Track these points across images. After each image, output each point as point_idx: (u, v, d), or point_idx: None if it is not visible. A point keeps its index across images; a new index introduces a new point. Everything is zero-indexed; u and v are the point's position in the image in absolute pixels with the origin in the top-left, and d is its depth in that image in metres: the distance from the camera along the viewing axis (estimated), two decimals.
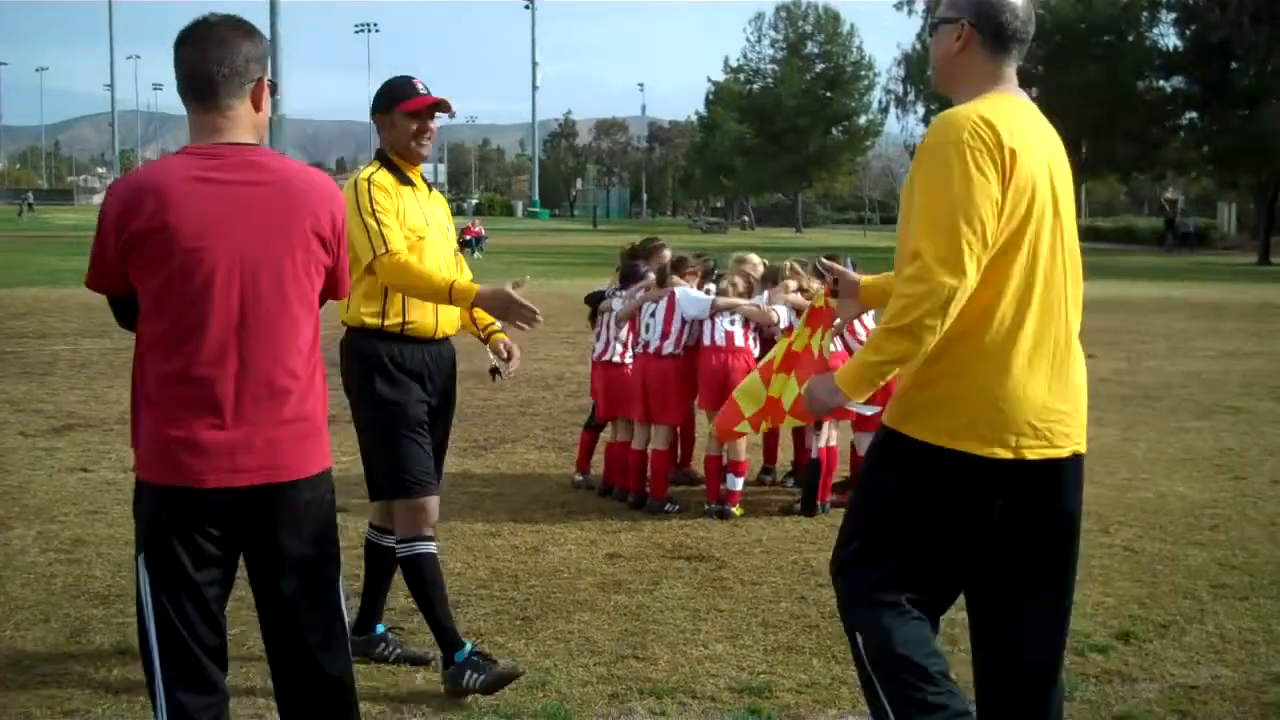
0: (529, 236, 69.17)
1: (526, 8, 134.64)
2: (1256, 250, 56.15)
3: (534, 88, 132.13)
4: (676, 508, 8.09)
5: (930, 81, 3.24)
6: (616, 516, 7.96)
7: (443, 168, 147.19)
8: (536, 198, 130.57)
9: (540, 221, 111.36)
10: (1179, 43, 66.34)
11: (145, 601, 3.34)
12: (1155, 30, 67.97)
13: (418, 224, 5.04)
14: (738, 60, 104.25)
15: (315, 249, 3.36)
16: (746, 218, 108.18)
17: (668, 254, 8.94)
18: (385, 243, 4.88)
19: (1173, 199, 79.82)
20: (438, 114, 5.17)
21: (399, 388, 5.03)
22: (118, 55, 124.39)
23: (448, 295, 4.89)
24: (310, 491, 3.39)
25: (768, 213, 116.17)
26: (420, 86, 5.15)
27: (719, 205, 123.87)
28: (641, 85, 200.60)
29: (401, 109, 5.08)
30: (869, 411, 3.40)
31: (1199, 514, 8.10)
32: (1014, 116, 3.41)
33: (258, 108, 3.39)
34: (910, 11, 78.68)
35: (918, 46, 79.70)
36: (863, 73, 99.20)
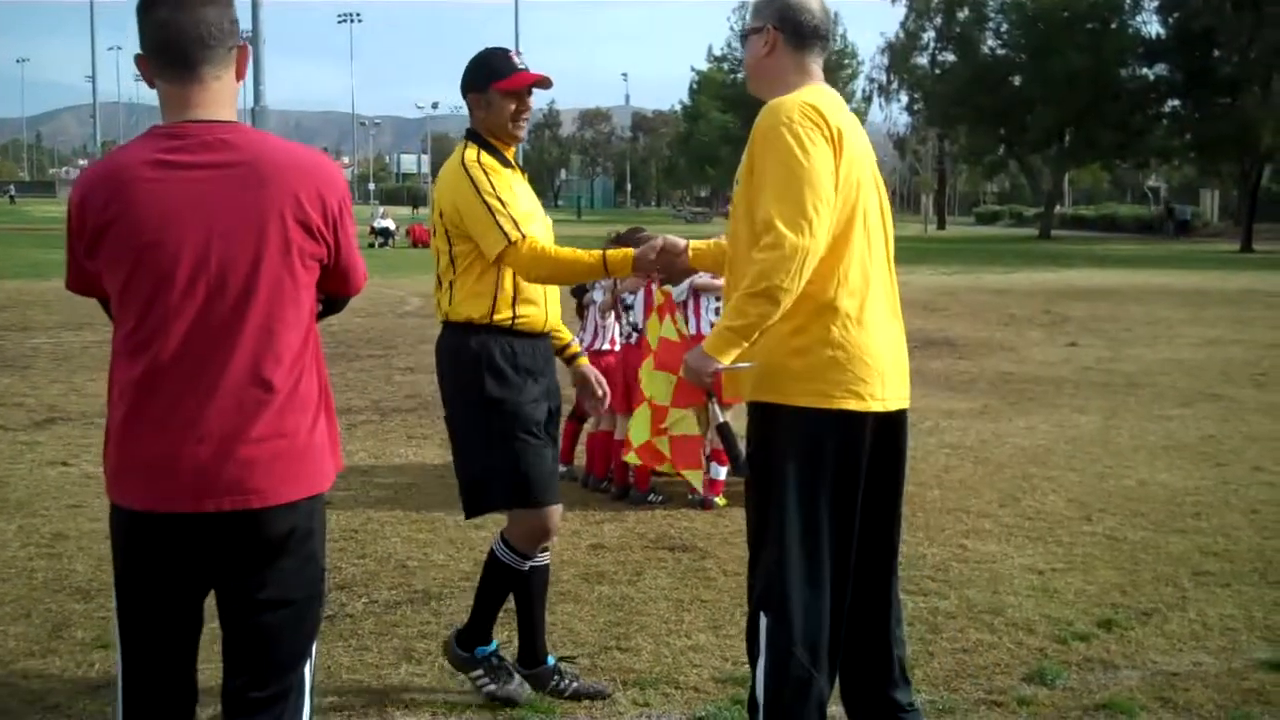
0: None
1: None
2: (1239, 237, 56.31)
3: None
4: (660, 498, 8.09)
5: (744, 82, 3.52)
6: (600, 508, 7.96)
7: (426, 159, 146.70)
8: None
9: None
10: (1162, 30, 66.55)
11: (114, 625, 3.08)
12: (1138, 18, 68.24)
13: (527, 209, 4.60)
14: (721, 49, 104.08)
15: (298, 238, 2.92)
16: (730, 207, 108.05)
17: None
18: (518, 228, 4.43)
19: (1155, 186, 79.95)
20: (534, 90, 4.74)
21: (511, 386, 4.56)
22: (99, 46, 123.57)
23: (602, 269, 4.52)
24: (289, 521, 2.96)
25: None
26: (518, 60, 4.67)
27: (703, 195, 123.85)
28: (625, 75, 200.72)
29: (499, 87, 4.60)
30: (744, 366, 3.61)
31: (1181, 501, 8.12)
32: (833, 103, 3.77)
33: (240, 76, 3.01)
34: (894, 0, 78.69)
35: (901, 35, 79.81)
36: (846, 61, 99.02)
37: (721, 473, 8.05)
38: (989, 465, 9.15)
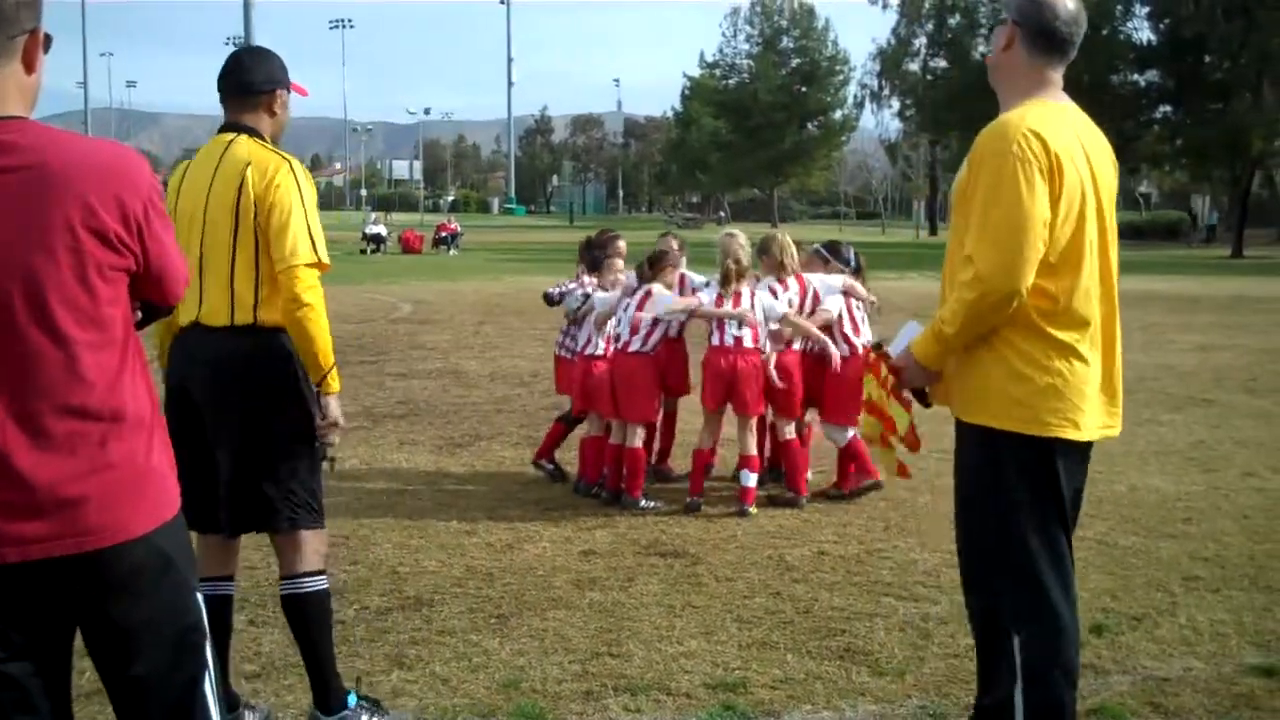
0: (505, 233, 69.12)
1: (502, 3, 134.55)
2: (1230, 243, 56.43)
3: (509, 83, 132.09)
4: (653, 505, 8.08)
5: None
6: (592, 513, 7.95)
7: (418, 164, 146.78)
8: (513, 194, 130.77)
9: (516, 218, 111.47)
10: (1153, 37, 66.69)
11: None
12: (1129, 24, 68.29)
13: None
14: (713, 55, 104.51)
15: (90, 249, 2.57)
16: (722, 213, 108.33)
17: (622, 244, 9.05)
18: (321, 254, 4.30)
19: (1146, 192, 79.94)
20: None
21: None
22: (90, 52, 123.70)
23: (331, 365, 4.35)
24: (137, 556, 2.66)
25: (744, 208, 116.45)
26: None
27: (695, 201, 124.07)
28: (617, 81, 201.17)
29: (295, 88, 4.63)
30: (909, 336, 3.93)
31: (1171, 507, 8.13)
32: (1057, 124, 3.62)
33: (30, 69, 2.61)
34: (885, 6, 78.88)
35: (892, 41, 79.97)
36: (838, 67, 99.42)
37: (753, 480, 8.05)
38: None
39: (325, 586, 4.58)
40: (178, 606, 2.78)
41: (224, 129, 4.47)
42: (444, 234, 51.15)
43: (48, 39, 2.66)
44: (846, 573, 6.65)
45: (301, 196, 4.27)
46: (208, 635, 2.87)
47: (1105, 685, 5.09)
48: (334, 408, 4.43)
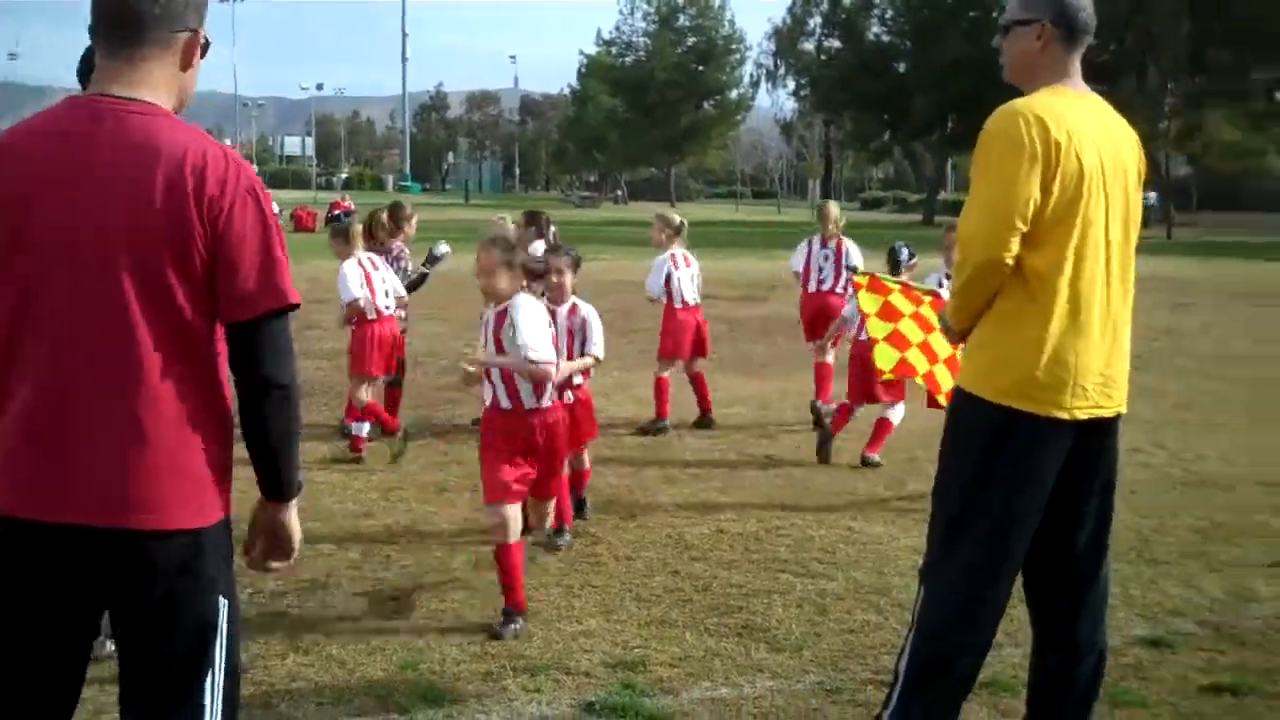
0: None
1: None
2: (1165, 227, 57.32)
3: (404, 59, 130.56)
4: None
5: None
6: None
7: (310, 140, 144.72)
8: (408, 171, 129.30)
9: (412, 196, 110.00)
10: None
11: None
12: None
13: None
14: (610, 32, 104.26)
15: (171, 241, 2.61)
16: (620, 191, 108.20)
17: (414, 218, 10.34)
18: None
19: None
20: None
21: None
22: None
23: None
24: (172, 546, 2.79)
25: (641, 187, 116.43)
26: None
27: (592, 179, 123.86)
28: (513, 57, 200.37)
29: None
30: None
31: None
32: (1067, 110, 3.71)
33: (185, 67, 2.73)
34: None
35: (787, 20, 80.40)
36: (734, 46, 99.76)
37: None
38: None
39: None
40: (198, 604, 2.83)
41: None
42: (337, 212, 50.43)
43: (206, 44, 2.77)
44: (744, 550, 6.70)
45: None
46: (223, 638, 2.91)
47: (997, 658, 5.14)
48: None
